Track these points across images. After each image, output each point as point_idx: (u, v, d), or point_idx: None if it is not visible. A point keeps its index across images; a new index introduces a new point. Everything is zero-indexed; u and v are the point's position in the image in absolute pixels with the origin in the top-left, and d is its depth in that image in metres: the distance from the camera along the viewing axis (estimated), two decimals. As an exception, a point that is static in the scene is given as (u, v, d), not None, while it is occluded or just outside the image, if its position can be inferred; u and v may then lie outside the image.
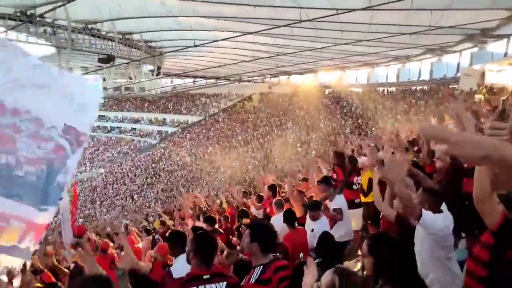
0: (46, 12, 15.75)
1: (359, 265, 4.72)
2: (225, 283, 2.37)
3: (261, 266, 2.60)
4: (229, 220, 6.34)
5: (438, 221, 2.84)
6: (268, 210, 6.19)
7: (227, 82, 38.26)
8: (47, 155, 3.47)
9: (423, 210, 2.81)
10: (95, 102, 3.68)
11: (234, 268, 3.46)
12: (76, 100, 3.54)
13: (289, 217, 4.55)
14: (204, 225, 5.44)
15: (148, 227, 9.59)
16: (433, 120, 11.48)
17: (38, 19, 18.43)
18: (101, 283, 1.98)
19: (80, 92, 3.57)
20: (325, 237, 3.50)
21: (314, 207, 4.63)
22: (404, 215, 3.05)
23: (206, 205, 7.79)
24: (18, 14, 15.66)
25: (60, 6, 14.24)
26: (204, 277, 2.36)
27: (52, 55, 30.11)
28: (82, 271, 4.01)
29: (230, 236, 5.37)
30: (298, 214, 4.87)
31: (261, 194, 7.38)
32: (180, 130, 43.76)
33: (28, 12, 16.18)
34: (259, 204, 6.58)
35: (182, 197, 14.40)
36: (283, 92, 39.32)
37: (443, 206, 3.09)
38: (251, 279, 2.60)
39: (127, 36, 24.37)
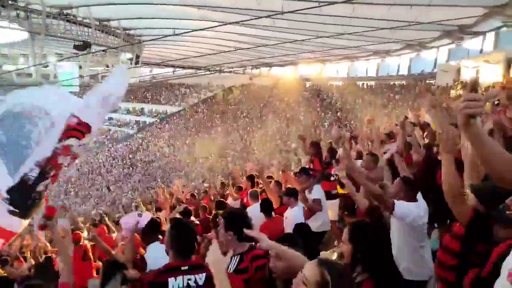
0: (18, -5, 15.10)
1: (335, 255, 4.77)
2: (204, 274, 2.29)
3: (238, 256, 2.55)
4: (207, 210, 6.29)
5: (412, 210, 2.88)
6: (245, 200, 6.18)
7: (207, 73, 37.83)
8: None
9: (396, 201, 2.85)
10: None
11: None
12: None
13: (266, 206, 4.56)
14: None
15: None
16: (410, 113, 11.68)
17: (10, 2, 17.68)
18: None
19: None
20: (300, 227, 3.50)
21: (289, 194, 4.65)
22: (375, 206, 3.08)
23: (185, 197, 7.70)
24: (-11, -4, 14.95)
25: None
26: (182, 268, 2.28)
27: (25, 41, 28.99)
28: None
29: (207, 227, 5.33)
30: (275, 205, 4.86)
31: (240, 185, 7.36)
32: (158, 120, 43.14)
33: (-1, -6, 15.47)
34: (236, 195, 6.56)
35: (159, 187, 14.25)
36: (263, 84, 39.24)
37: (419, 196, 3.13)
38: (229, 268, 2.55)
39: (105, 22, 23.70)
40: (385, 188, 3.31)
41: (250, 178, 6.52)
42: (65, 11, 20.36)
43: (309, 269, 1.43)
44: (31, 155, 3.77)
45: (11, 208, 3.60)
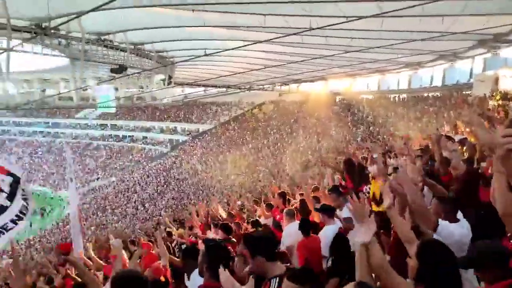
0: (60, 25, 16.05)
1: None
2: None
3: (278, 278, 2.51)
4: (240, 227, 6.30)
5: (455, 230, 2.77)
6: (278, 217, 6.14)
7: (237, 91, 38.39)
8: None
9: (440, 220, 2.75)
10: None
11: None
12: None
13: (304, 225, 4.53)
14: (219, 233, 5.44)
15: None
16: (446, 127, 11.32)
17: (52, 31, 18.81)
18: None
19: None
20: (337, 238, 3.45)
21: (322, 210, 4.60)
22: (418, 226, 2.98)
23: (220, 215, 7.73)
24: (33, 26, 15.99)
25: (74, 19, 14.52)
26: None
27: (66, 66, 30.68)
28: None
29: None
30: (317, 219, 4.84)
31: (270, 202, 7.34)
32: (191, 138, 44.00)
33: (43, 25, 16.51)
34: (268, 213, 6.54)
35: (193, 206, 14.39)
36: (293, 99, 39.30)
37: (459, 214, 3.02)
38: None
39: (139, 46, 24.71)
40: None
41: (282, 195, 6.49)
42: (102, 37, 21.42)
43: None
44: None
45: None
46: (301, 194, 7.48)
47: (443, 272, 1.97)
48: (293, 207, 6.25)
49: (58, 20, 15.58)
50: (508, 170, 1.50)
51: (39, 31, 16.38)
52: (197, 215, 8.55)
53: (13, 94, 34.19)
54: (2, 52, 16.86)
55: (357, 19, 12.52)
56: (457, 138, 7.19)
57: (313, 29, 13.94)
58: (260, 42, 17.20)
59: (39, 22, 16.62)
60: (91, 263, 6.13)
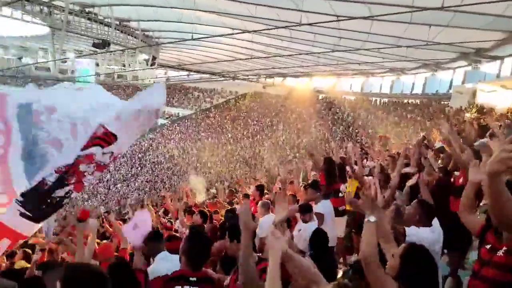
0: (43, -9, 15.47)
1: (340, 272, 4.73)
2: None
3: None
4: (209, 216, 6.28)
5: (424, 235, 2.85)
6: (252, 209, 6.14)
7: (221, 79, 38.09)
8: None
9: (407, 229, 2.83)
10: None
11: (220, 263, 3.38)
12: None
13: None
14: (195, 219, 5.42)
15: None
16: (421, 134, 11.59)
17: (35, -3, 18.09)
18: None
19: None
20: (317, 233, 3.48)
21: (305, 211, 4.62)
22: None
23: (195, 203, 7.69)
24: (15, -10, 15.35)
25: (58, -14, 14.01)
26: (191, 278, 2.27)
27: (46, 35, 29.57)
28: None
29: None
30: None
31: (247, 193, 7.35)
32: (170, 122, 43.45)
33: (25, -11, 15.87)
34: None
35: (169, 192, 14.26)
36: (276, 93, 39.34)
37: (435, 221, 3.10)
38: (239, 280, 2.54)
39: (125, 23, 24.09)
40: (400, 210, 3.28)
41: (259, 188, 6.50)
42: (87, 9, 20.75)
43: None
44: (51, 161, 3.82)
45: (23, 210, 3.59)
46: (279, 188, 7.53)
47: (425, 276, 2.05)
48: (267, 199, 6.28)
49: (41, -13, 15.01)
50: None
51: (20, -5, 15.73)
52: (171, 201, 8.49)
53: (-13, 59, 32.75)
54: (-21, 14, 16.12)
55: (348, 19, 12.61)
56: (436, 145, 7.38)
57: (303, 24, 13.95)
58: (249, 32, 17.05)
59: (21, -14, 15.95)
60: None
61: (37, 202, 3.64)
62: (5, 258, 5.64)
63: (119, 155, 4.26)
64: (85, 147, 3.70)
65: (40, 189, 3.62)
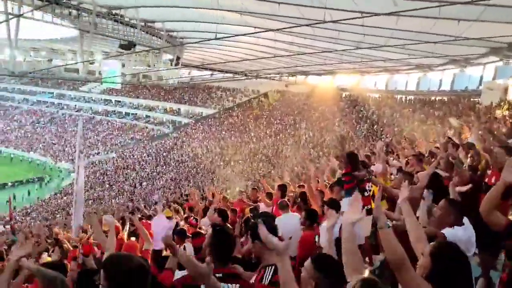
0: (72, -5, 15.97)
1: (366, 271, 4.67)
2: (238, 285, 2.27)
3: (273, 266, 2.51)
4: (237, 213, 6.33)
5: (460, 236, 2.78)
6: (273, 209, 6.15)
7: (244, 78, 38.24)
8: None
9: (444, 231, 2.77)
10: None
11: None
12: None
13: (311, 216, 4.53)
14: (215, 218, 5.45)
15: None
16: (450, 132, 11.26)
17: (64, 0, 18.67)
18: None
19: None
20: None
21: (330, 205, 4.57)
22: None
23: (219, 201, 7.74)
24: (45, -6, 15.91)
25: (86, -10, 14.42)
26: (217, 275, 2.25)
27: (75, 38, 30.51)
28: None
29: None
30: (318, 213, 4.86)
31: (270, 192, 7.35)
32: (193, 121, 43.95)
33: (55, -7, 16.41)
34: (270, 201, 6.55)
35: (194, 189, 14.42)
36: (299, 91, 39.13)
37: (465, 220, 3.02)
38: (263, 280, 2.53)
39: (150, 24, 24.54)
40: (431, 212, 3.21)
41: (282, 188, 6.49)
42: (114, 11, 21.25)
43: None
44: None
45: None
46: (300, 186, 7.50)
47: (457, 274, 1.99)
48: (287, 199, 6.27)
49: (71, -10, 15.49)
50: None
51: (50, -1, 16.27)
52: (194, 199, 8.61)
53: (20, 61, 34.10)
54: (12, 18, 16.77)
55: (372, 16, 12.37)
56: (468, 140, 7.17)
57: (326, 22, 13.80)
58: (272, 30, 17.04)
59: (51, -9, 16.49)
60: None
61: None
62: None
63: None
64: None
65: None
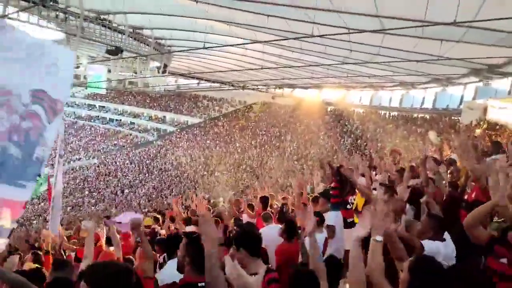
0: (60, -3, 15.80)
1: (347, 286, 4.66)
2: None
3: (256, 275, 2.51)
4: (222, 223, 6.26)
5: (441, 249, 2.81)
6: (256, 220, 6.11)
7: (231, 88, 38.32)
8: (22, 125, 3.16)
9: (424, 242, 2.80)
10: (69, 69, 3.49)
11: None
12: (45, 63, 3.29)
13: (290, 229, 4.50)
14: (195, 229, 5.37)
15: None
16: (431, 149, 11.49)
17: (51, 3, 18.44)
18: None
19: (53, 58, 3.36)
20: (330, 262, 3.40)
21: (320, 220, 4.57)
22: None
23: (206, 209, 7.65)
24: (32, -4, 15.70)
25: (75, -7, 14.30)
26: (199, 284, 2.21)
27: (61, 41, 30.10)
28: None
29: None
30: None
31: (251, 203, 7.33)
32: (178, 130, 43.67)
33: (43, -5, 16.22)
34: (253, 213, 6.52)
35: (175, 198, 14.24)
36: (285, 103, 39.43)
37: (446, 235, 3.06)
38: None
39: (138, 30, 24.44)
40: (411, 226, 3.25)
41: (264, 200, 6.46)
42: (102, 16, 21.10)
43: None
44: None
45: None
46: (283, 198, 7.50)
47: (434, 286, 2.02)
48: (271, 211, 6.25)
49: (59, -7, 15.32)
50: None
51: (37, 1, 16.06)
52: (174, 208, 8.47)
53: (3, 63, 33.33)
54: (-3, 18, 16.44)
55: (359, 32, 12.64)
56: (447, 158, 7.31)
57: (314, 36, 14.02)
58: (260, 42, 17.21)
59: (39, -7, 16.29)
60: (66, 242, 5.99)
61: None
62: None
63: None
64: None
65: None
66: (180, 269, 2.42)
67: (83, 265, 3.59)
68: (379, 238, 2.16)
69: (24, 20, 19.85)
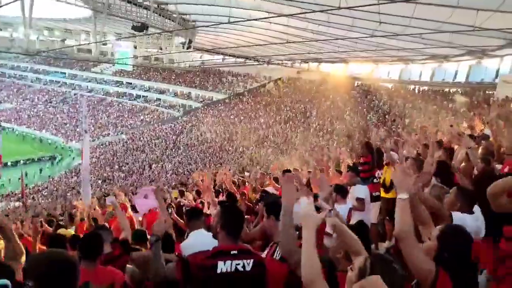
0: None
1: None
2: (252, 260, 2.25)
3: None
4: (246, 196, 6.37)
5: (470, 222, 2.77)
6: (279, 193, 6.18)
7: (255, 63, 37.98)
8: None
9: (453, 212, 2.76)
10: None
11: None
12: None
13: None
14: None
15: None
16: (464, 124, 11.11)
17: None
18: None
19: None
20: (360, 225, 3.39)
21: (337, 191, 4.55)
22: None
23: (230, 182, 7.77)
24: (60, -27, 15.90)
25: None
26: (232, 252, 2.26)
27: (88, 18, 30.53)
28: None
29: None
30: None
31: (277, 176, 7.39)
32: (203, 105, 43.99)
33: (70, -28, 16.40)
34: (278, 185, 6.60)
35: (201, 172, 14.50)
36: (311, 78, 38.81)
37: (476, 208, 3.01)
38: (275, 254, 2.57)
39: (163, 6, 24.40)
40: (440, 195, 3.20)
41: (286, 173, 6.50)
42: (127, -8, 21.18)
43: (359, 260, 1.73)
44: None
45: None
46: (309, 172, 7.52)
47: (463, 256, 2.02)
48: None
49: (85, -31, 15.45)
50: None
51: (65, -22, 16.25)
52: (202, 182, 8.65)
53: (34, 40, 34.26)
54: (27, -4, 16.81)
55: (389, 3, 12.13)
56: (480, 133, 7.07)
57: (341, 8, 13.56)
58: (285, 15, 16.85)
59: (66, -31, 16.45)
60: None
61: None
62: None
63: None
64: None
65: None
66: (215, 236, 2.48)
67: (123, 235, 3.79)
68: (404, 195, 2.13)
69: (53, -3, 20.18)
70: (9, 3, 17.42)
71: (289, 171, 6.91)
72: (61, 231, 5.44)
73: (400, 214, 2.09)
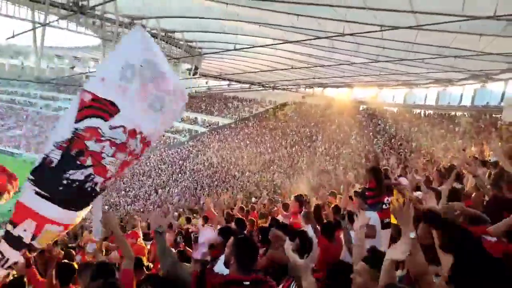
0: (97, 5, 16.43)
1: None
2: None
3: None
4: (255, 224, 6.32)
5: None
6: (291, 220, 6.10)
7: (261, 88, 38.39)
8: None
9: None
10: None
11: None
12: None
13: (328, 229, 4.50)
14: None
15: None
16: (473, 149, 11.04)
17: (88, 10, 19.20)
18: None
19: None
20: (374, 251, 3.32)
21: (348, 217, 4.53)
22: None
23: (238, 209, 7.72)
24: (71, 4, 16.40)
25: (110, 1, 14.83)
26: (245, 283, 2.26)
27: (97, 46, 31.28)
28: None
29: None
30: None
31: (286, 202, 7.32)
32: (209, 130, 44.27)
33: (81, 3, 16.92)
34: (286, 213, 6.53)
35: (209, 198, 14.42)
36: (316, 103, 39.06)
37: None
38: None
39: (170, 34, 24.98)
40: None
41: (299, 198, 6.44)
42: (136, 21, 21.74)
43: None
44: (51, 134, 3.34)
45: (37, 189, 3.23)
46: (317, 199, 7.45)
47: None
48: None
49: (95, 0, 15.93)
50: None
51: (76, 9, 16.74)
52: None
53: (44, 68, 35.05)
54: (39, 27, 17.31)
55: (392, 29, 12.33)
56: (492, 159, 7.00)
57: (345, 34, 13.80)
58: (290, 42, 17.13)
59: (77, 1, 17.01)
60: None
61: (50, 181, 3.22)
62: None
63: (150, 140, 3.42)
64: (79, 118, 3.13)
65: (46, 167, 3.23)
66: (226, 264, 2.46)
67: (124, 266, 3.70)
68: (413, 234, 2.05)
69: (64, 27, 20.80)
70: (22, 32, 17.95)
71: (301, 195, 6.87)
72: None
73: (413, 253, 2.01)
